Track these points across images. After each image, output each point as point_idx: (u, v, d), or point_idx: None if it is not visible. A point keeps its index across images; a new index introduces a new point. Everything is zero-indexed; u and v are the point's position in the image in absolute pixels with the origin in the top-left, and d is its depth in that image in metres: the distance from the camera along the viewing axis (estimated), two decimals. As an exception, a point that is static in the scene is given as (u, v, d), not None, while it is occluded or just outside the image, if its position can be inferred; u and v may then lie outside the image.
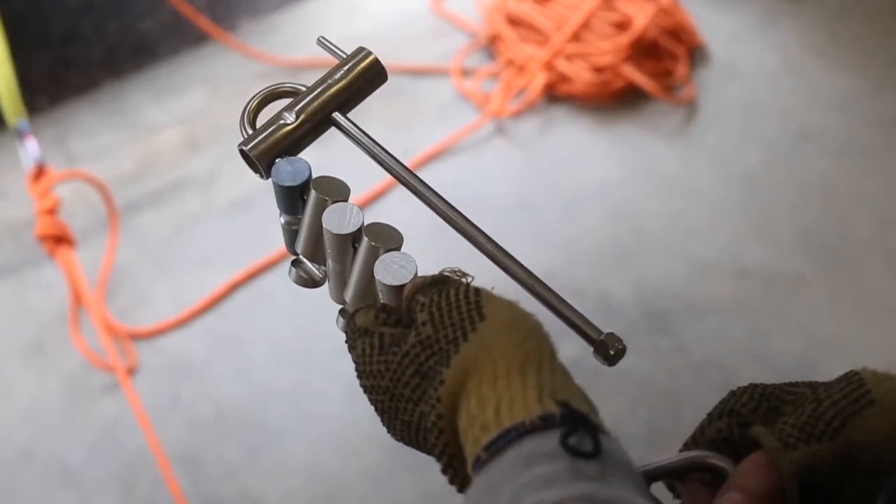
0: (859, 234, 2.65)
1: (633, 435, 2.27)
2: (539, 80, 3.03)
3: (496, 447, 0.65)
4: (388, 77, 0.92)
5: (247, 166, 0.89)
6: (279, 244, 2.90)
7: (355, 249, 0.84)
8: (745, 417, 0.78)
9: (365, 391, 0.78)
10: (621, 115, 3.01)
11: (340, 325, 0.89)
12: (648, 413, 2.32)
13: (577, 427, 0.64)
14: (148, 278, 2.65)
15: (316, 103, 0.88)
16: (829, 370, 2.43)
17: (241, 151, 0.87)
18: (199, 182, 2.85)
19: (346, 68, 0.90)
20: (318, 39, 0.94)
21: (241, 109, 0.90)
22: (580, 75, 3.00)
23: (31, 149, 2.44)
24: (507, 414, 0.66)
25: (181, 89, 3.13)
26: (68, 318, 2.48)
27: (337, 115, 0.89)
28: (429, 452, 0.75)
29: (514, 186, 2.81)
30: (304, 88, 0.90)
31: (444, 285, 0.77)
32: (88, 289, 2.46)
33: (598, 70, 3.01)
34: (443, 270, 0.79)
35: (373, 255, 0.82)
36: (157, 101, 3.09)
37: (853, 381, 0.75)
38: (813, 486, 0.73)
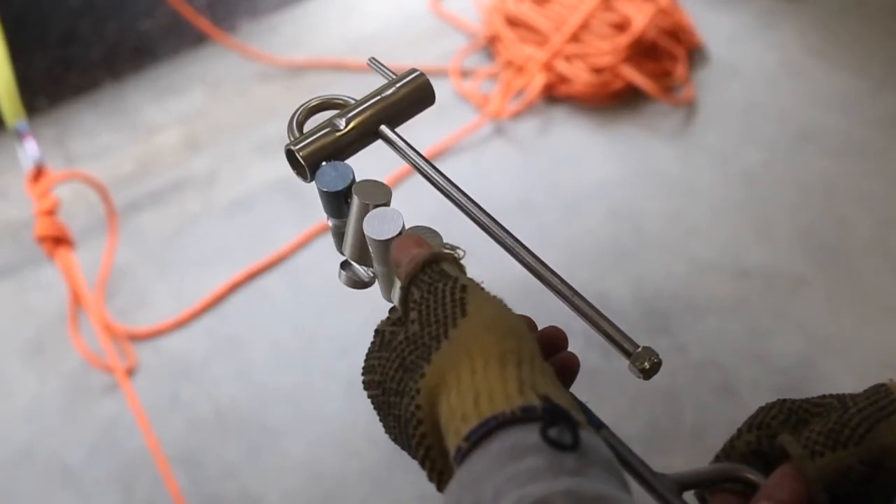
0: (859, 234, 2.65)
1: (632, 435, 2.27)
2: (538, 80, 3.03)
3: (476, 436, 0.66)
4: (435, 100, 0.98)
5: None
6: (279, 244, 2.90)
7: None
8: (774, 429, 0.78)
9: (364, 387, 0.80)
10: (620, 115, 3.01)
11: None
12: (648, 413, 2.32)
13: (557, 420, 0.64)
14: (147, 279, 2.65)
15: (366, 114, 0.92)
16: (828, 370, 2.43)
17: (289, 152, 0.89)
18: (198, 182, 2.85)
19: (398, 85, 0.95)
20: (369, 61, 0.99)
21: (291, 114, 0.93)
22: (579, 76, 3.00)
23: (30, 149, 2.44)
24: (487, 404, 0.67)
25: (181, 89, 3.13)
26: (68, 319, 2.48)
27: (384, 129, 0.92)
28: (411, 451, 0.75)
29: (514, 187, 2.81)
30: (352, 101, 0.93)
31: (436, 274, 0.78)
32: (88, 289, 2.47)
33: (598, 71, 3.01)
34: (444, 245, 0.82)
35: None
36: (157, 102, 3.09)
37: (880, 391, 0.76)
38: (844, 492, 0.74)
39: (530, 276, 0.83)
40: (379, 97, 0.93)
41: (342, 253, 0.93)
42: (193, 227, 2.75)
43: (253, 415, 2.38)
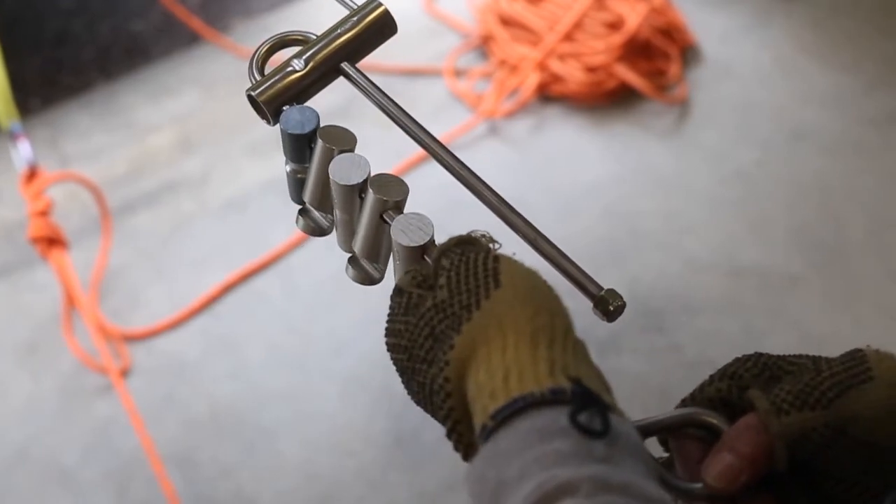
0: (853, 233, 2.65)
1: (627, 434, 2.27)
2: (532, 80, 3.03)
3: (503, 415, 0.65)
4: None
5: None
6: (273, 244, 2.89)
7: (362, 199, 0.83)
8: (746, 381, 0.78)
9: (388, 349, 0.78)
10: (614, 114, 3.01)
11: (350, 273, 0.89)
12: (642, 412, 2.31)
13: (587, 404, 0.64)
14: (142, 279, 2.65)
15: (325, 52, 0.89)
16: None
17: (249, 97, 0.87)
18: (192, 183, 2.85)
19: (355, 18, 0.91)
20: None
21: (251, 56, 0.91)
22: (573, 75, 3.00)
23: (23, 150, 2.43)
24: (516, 383, 0.66)
25: (174, 90, 3.12)
26: (62, 320, 2.47)
27: (346, 65, 0.90)
28: (438, 418, 0.74)
29: (508, 186, 2.79)
30: (313, 36, 0.91)
31: (468, 247, 0.77)
32: (82, 290, 2.46)
33: (591, 70, 3.01)
34: (471, 232, 0.80)
35: (379, 208, 0.82)
36: (150, 102, 3.09)
37: (855, 358, 0.76)
38: (804, 454, 0.74)
39: (497, 220, 0.82)
40: (336, 32, 0.90)
41: (297, 200, 0.92)
42: (187, 227, 2.75)
43: (248, 415, 2.38)
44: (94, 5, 3.28)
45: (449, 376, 0.70)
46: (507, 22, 3.17)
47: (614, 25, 3.07)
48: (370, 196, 0.82)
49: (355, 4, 0.92)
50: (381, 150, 2.94)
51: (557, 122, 2.99)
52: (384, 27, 0.91)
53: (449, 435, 0.72)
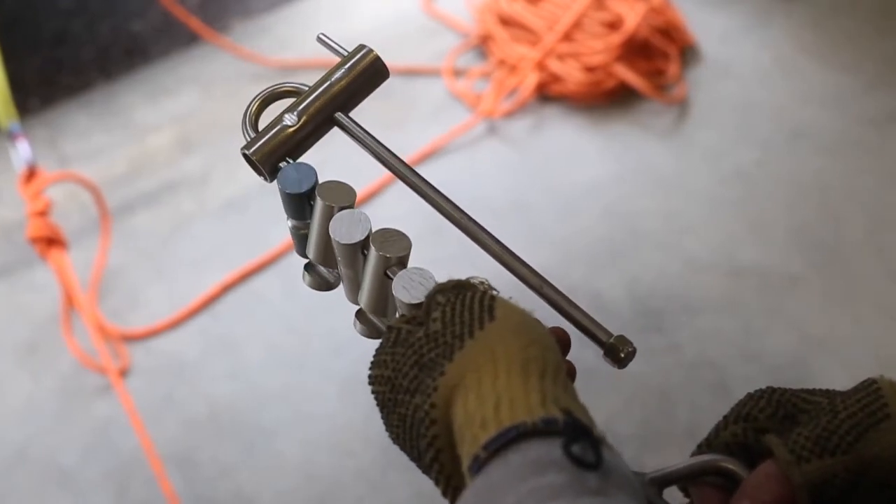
0: (853, 233, 2.65)
1: (626, 434, 2.27)
2: (531, 79, 3.03)
3: (495, 446, 0.64)
4: (388, 75, 0.92)
5: (241, 166, 0.88)
6: (273, 244, 2.89)
7: (365, 256, 0.83)
8: (762, 423, 0.78)
9: (370, 382, 0.77)
10: (613, 114, 3.01)
11: (358, 328, 0.88)
12: (642, 412, 2.32)
13: (579, 436, 0.63)
14: (141, 279, 2.65)
15: (318, 104, 0.88)
16: (822, 368, 2.43)
17: (245, 155, 0.86)
18: (191, 183, 2.85)
19: (346, 67, 0.89)
20: (319, 36, 0.93)
21: (243, 112, 0.89)
22: (572, 75, 3.00)
23: (22, 150, 2.43)
24: (507, 412, 0.66)
25: (173, 90, 3.12)
26: (61, 320, 2.47)
27: (340, 116, 0.88)
28: (416, 453, 0.74)
29: (507, 186, 2.81)
30: (305, 88, 0.89)
31: (465, 289, 0.76)
32: (81, 290, 2.46)
33: (590, 69, 3.01)
34: (470, 278, 0.79)
35: (382, 265, 0.81)
36: (150, 102, 3.09)
37: (871, 393, 0.75)
38: (824, 500, 0.73)
39: (502, 269, 0.81)
40: (328, 83, 0.88)
41: (303, 255, 0.90)
42: (187, 227, 2.75)
43: (247, 415, 2.38)
44: (94, 5, 3.28)
45: (436, 402, 0.69)
46: (506, 22, 3.17)
47: (613, 25, 3.07)
48: (372, 253, 0.81)
49: (346, 51, 0.91)
50: (380, 149, 2.95)
51: (556, 122, 2.99)
52: (376, 74, 0.90)
53: (430, 465, 0.71)
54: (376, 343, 0.79)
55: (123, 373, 2.44)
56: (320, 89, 0.88)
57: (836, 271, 2.58)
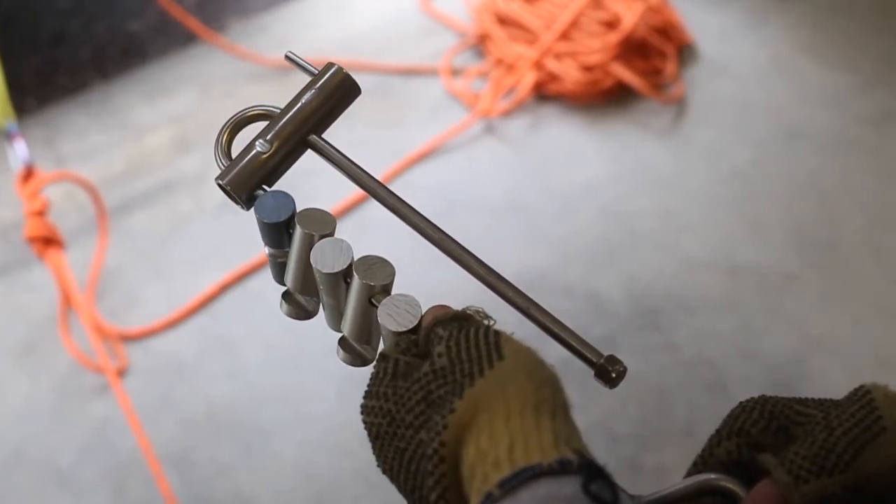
0: (850, 231, 2.65)
1: (624, 433, 2.27)
2: (528, 79, 3.03)
3: (510, 485, 0.64)
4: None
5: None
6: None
7: (348, 284, 0.81)
8: (755, 438, 0.77)
9: (363, 411, 0.77)
10: (611, 113, 3.01)
11: (341, 356, 0.87)
12: (639, 411, 2.32)
13: (594, 477, 0.64)
14: (138, 279, 2.65)
15: (290, 128, 0.85)
16: (820, 367, 2.43)
17: (219, 185, 0.84)
18: (189, 182, 2.85)
19: (317, 87, 0.87)
20: (287, 55, 0.91)
21: (215, 140, 0.87)
22: (569, 74, 3.00)
23: (20, 150, 2.43)
24: (521, 453, 0.66)
25: (170, 90, 3.12)
26: (58, 320, 2.47)
27: (313, 138, 0.86)
28: (415, 488, 0.73)
29: (505, 186, 2.81)
30: (275, 110, 0.87)
31: (465, 322, 0.76)
32: (78, 290, 2.46)
33: (588, 69, 3.02)
34: (466, 308, 0.78)
35: (366, 293, 0.80)
36: (147, 102, 3.09)
37: (864, 405, 0.74)
38: None
39: (487, 291, 0.80)
40: (299, 105, 0.86)
41: (280, 282, 0.88)
42: (184, 227, 2.75)
43: (245, 415, 2.38)
44: (91, 5, 3.27)
45: (446, 440, 0.69)
46: (503, 21, 3.17)
47: (611, 24, 3.08)
48: (356, 282, 0.80)
49: (315, 70, 0.88)
50: (378, 150, 2.95)
51: (554, 121, 2.99)
52: (347, 92, 0.87)
53: (436, 503, 0.70)
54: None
55: (121, 373, 2.44)
56: (291, 112, 0.86)
57: (834, 270, 2.58)
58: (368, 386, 0.77)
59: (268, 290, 2.58)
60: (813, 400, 0.78)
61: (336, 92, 0.87)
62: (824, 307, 2.50)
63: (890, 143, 2.86)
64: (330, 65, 0.88)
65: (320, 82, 0.87)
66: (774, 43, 3.19)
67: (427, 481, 0.70)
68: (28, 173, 2.41)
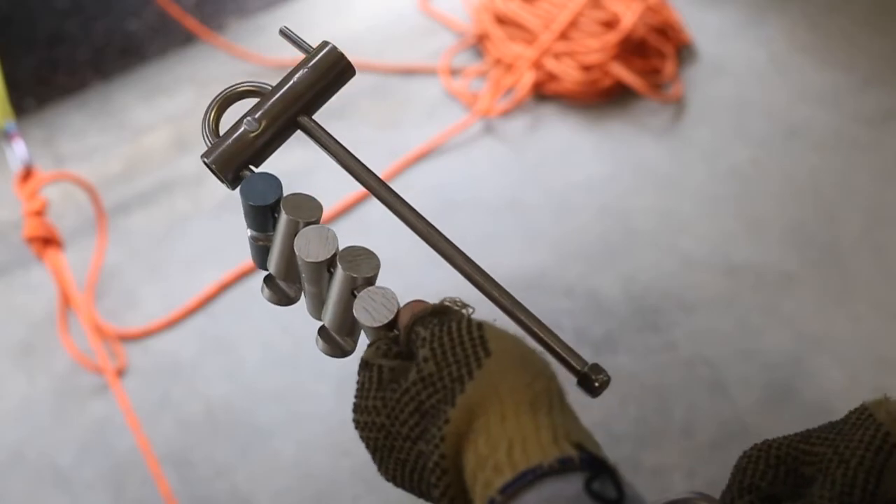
0: (848, 230, 2.65)
1: (622, 433, 2.27)
2: (527, 78, 3.03)
3: (512, 490, 0.63)
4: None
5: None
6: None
7: (331, 274, 0.79)
8: (766, 490, 0.75)
9: (358, 427, 0.75)
10: (610, 113, 3.01)
11: (320, 346, 0.85)
12: (637, 411, 2.32)
13: (598, 472, 0.62)
14: (137, 279, 2.64)
15: (280, 106, 0.83)
16: (818, 367, 2.43)
17: (204, 162, 0.82)
18: (187, 182, 2.84)
19: (310, 66, 0.84)
20: (281, 30, 0.88)
21: (202, 116, 0.84)
22: (568, 74, 3.00)
23: (18, 150, 2.43)
24: (521, 455, 0.64)
25: (169, 89, 3.12)
26: (57, 320, 2.47)
27: (303, 119, 0.84)
28: (422, 494, 0.72)
29: (504, 185, 2.81)
30: (267, 87, 0.85)
31: (444, 316, 0.74)
32: (77, 290, 2.46)
33: (586, 68, 3.01)
34: (443, 300, 0.76)
35: (349, 285, 0.78)
36: (145, 102, 3.08)
37: (869, 427, 0.73)
38: None
39: (475, 290, 0.77)
40: (291, 83, 0.83)
41: (261, 267, 0.86)
42: (183, 227, 2.75)
43: (243, 415, 2.38)
44: (89, 5, 3.27)
45: (445, 452, 0.68)
46: (502, 20, 3.17)
47: (609, 24, 3.07)
48: (339, 272, 0.78)
49: (310, 47, 0.85)
50: (376, 150, 2.95)
51: (553, 121, 2.99)
52: (342, 73, 0.84)
53: None
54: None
55: (120, 373, 2.44)
56: (282, 90, 0.83)
57: (832, 269, 2.58)
58: (356, 398, 0.75)
59: (266, 289, 2.57)
60: (815, 433, 0.76)
61: (330, 71, 0.84)
62: (823, 306, 2.50)
63: (889, 142, 2.86)
64: (325, 43, 0.86)
65: (314, 60, 0.84)
66: (773, 42, 3.19)
67: (433, 493, 0.70)
68: (27, 173, 2.41)
